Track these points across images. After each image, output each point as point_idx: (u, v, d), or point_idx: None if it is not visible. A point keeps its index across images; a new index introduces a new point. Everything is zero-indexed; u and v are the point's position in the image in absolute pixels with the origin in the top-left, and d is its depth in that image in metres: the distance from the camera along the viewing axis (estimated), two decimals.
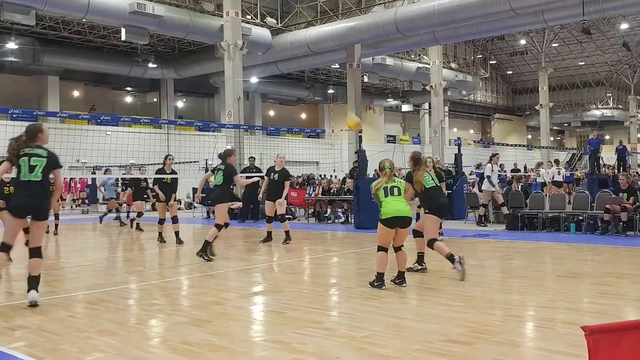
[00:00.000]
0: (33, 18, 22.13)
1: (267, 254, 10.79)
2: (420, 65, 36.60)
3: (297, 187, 19.36)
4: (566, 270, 8.36)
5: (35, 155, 6.22)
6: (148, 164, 29.24)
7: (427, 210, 7.96)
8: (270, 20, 28.78)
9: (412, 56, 37.24)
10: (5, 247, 6.22)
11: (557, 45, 47.43)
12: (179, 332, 5.14)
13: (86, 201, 27.46)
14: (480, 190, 15.31)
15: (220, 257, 9.73)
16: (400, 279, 7.04)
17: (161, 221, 12.28)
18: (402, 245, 7.07)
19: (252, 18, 28.17)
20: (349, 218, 16.26)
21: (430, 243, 7.77)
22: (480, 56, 47.51)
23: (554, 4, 22.20)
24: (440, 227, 9.32)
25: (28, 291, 6.22)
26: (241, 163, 19.57)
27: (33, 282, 6.24)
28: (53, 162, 6.32)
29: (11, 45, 29.49)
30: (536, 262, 9.30)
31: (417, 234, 8.15)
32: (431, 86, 34.85)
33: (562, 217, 13.31)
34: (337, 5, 29.60)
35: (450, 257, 7.53)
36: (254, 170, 18.13)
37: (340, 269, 9.00)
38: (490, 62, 49.88)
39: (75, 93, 37.15)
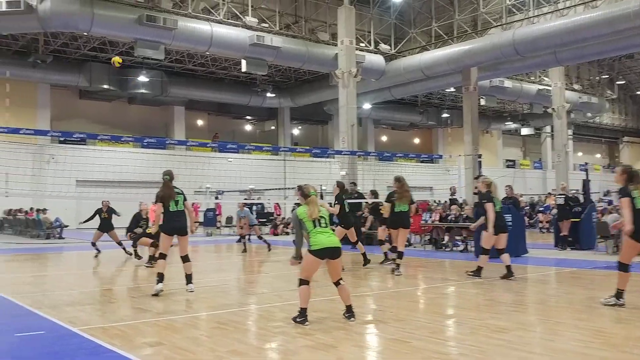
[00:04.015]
0: (162, 53, 23.76)
1: (383, 281, 10.74)
2: (541, 87, 35.36)
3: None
4: None
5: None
6: (266, 189, 30.26)
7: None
8: (384, 46, 29.02)
9: (532, 78, 36.05)
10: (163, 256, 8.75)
11: None
12: (306, 355, 5.22)
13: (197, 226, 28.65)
14: None
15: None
16: (349, 312, 6.71)
17: None
18: (341, 279, 6.75)
19: (366, 45, 28.52)
20: (468, 246, 15.82)
21: (482, 251, 10.25)
22: (607, 76, 44.97)
23: None
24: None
25: (187, 284, 8.70)
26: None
27: (188, 277, 8.74)
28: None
29: (142, 78, 31.81)
30: None
31: None
32: (553, 109, 33.51)
33: None
34: (451, 29, 29.31)
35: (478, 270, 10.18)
36: (355, 195, 17.79)
37: (461, 300, 8.76)
38: (618, 82, 47.03)
39: (199, 122, 39.33)
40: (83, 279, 11.56)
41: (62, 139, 29.91)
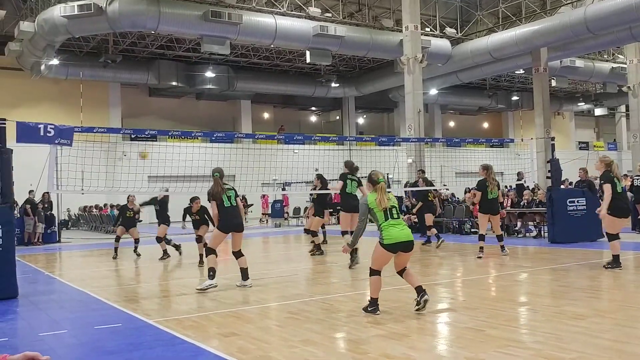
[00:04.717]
0: (228, 48, 24.12)
1: (453, 269, 10.59)
2: (615, 65, 33.85)
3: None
4: None
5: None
6: (333, 179, 30.28)
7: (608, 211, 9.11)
8: (449, 30, 28.44)
9: (605, 56, 34.52)
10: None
11: None
12: (378, 344, 5.18)
13: (266, 217, 28.92)
14: None
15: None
16: (420, 292, 6.38)
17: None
18: (406, 267, 6.50)
19: (431, 30, 28.03)
20: (542, 232, 15.34)
21: (609, 238, 9.17)
22: None
23: None
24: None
25: (243, 279, 8.73)
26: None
27: (244, 272, 8.79)
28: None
29: (209, 74, 32.47)
30: None
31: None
32: (628, 87, 32.01)
33: None
34: (519, 9, 28.40)
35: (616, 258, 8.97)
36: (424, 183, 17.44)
37: (535, 287, 8.49)
38: None
39: (266, 115, 39.83)
40: (156, 272, 11.92)
41: (133, 135, 30.95)
